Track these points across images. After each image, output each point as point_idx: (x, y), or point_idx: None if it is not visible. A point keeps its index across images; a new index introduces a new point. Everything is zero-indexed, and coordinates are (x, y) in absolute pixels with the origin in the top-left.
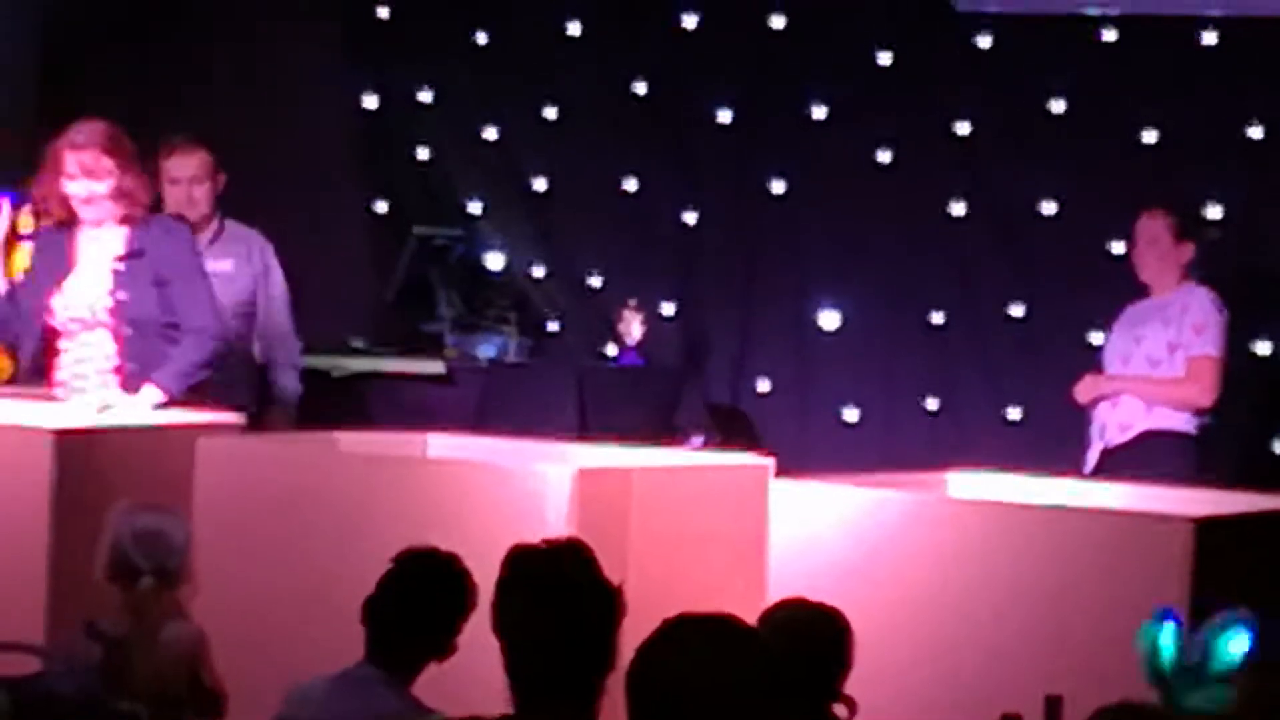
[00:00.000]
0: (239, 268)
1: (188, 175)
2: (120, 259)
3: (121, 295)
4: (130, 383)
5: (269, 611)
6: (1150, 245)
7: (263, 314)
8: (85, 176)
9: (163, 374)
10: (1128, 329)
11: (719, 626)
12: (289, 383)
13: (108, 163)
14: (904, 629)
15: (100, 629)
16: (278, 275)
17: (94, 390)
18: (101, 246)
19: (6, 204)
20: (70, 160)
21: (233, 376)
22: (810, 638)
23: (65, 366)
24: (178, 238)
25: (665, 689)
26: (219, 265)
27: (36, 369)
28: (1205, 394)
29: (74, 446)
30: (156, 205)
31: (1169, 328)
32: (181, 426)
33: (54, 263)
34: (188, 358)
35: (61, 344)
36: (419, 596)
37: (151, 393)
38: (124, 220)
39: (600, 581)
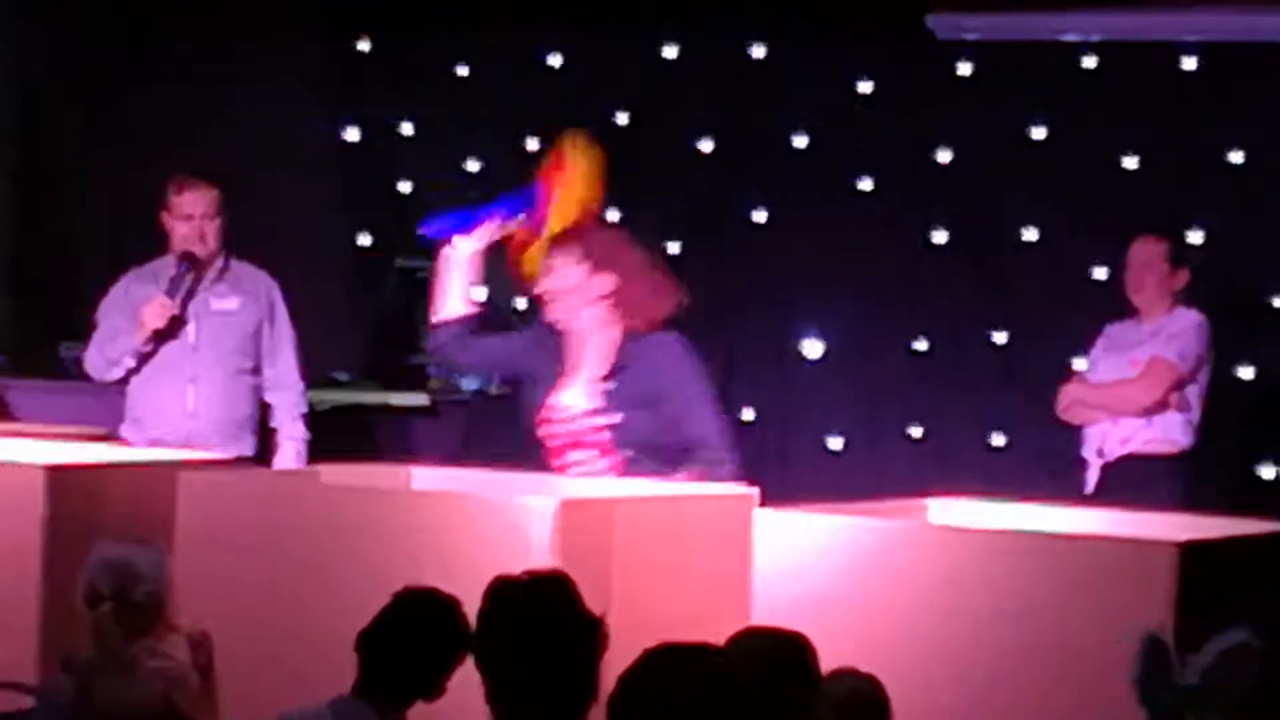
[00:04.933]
0: (245, 306)
1: (200, 211)
2: (608, 376)
3: (613, 418)
4: None
5: (251, 645)
6: (1147, 270)
7: (268, 355)
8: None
9: None
10: (1121, 352)
11: (696, 655)
12: (296, 428)
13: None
14: (886, 656)
15: (74, 661)
16: (284, 317)
17: None
18: (591, 356)
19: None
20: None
21: (241, 416)
22: (776, 663)
23: None
24: (671, 352)
25: (644, 717)
26: (225, 303)
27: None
28: (1147, 392)
29: (66, 482)
30: (164, 242)
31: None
32: (170, 463)
33: (545, 363)
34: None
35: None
36: (415, 636)
37: None
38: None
39: (581, 613)
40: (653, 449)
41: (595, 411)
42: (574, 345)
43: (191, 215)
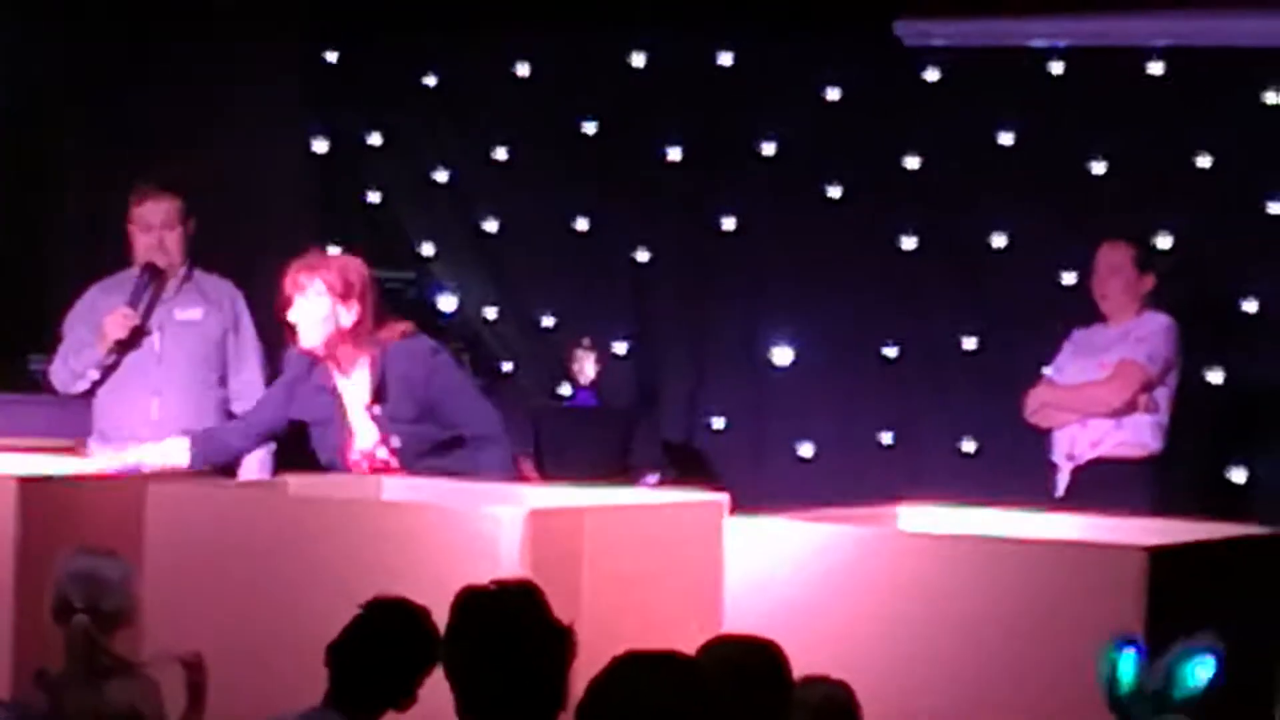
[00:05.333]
0: (209, 315)
1: (159, 221)
2: (371, 405)
3: (395, 442)
4: None
5: (220, 656)
6: (1113, 274)
7: (233, 365)
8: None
9: None
10: (1089, 355)
11: (665, 663)
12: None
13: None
14: (858, 662)
15: (47, 675)
16: (249, 327)
17: None
18: (353, 387)
19: None
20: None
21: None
22: (748, 671)
23: None
24: (418, 358)
25: None
26: (188, 313)
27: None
28: (1116, 393)
29: (38, 494)
30: (128, 252)
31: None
32: (143, 475)
33: (316, 398)
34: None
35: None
36: (385, 646)
37: None
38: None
39: (550, 622)
40: (442, 448)
41: (381, 441)
42: (334, 371)
43: (151, 225)
